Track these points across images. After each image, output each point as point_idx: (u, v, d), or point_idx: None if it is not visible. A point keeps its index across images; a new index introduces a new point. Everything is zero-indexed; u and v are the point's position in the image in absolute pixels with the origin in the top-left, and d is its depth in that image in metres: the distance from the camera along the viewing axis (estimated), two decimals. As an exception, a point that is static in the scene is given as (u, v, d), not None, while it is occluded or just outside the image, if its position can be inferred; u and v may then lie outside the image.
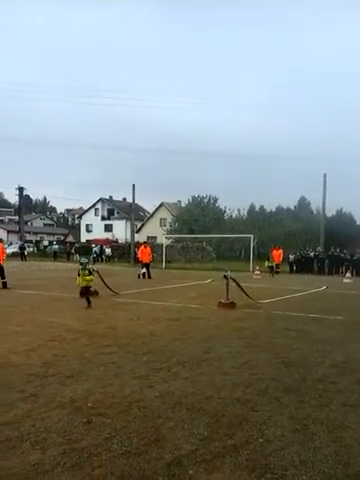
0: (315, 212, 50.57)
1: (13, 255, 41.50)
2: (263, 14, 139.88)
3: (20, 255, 40.82)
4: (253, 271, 26.19)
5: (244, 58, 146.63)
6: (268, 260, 26.27)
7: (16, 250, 44.84)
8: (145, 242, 25.67)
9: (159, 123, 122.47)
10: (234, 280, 12.06)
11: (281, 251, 28.79)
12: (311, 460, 3.42)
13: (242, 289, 12.63)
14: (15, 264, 30.71)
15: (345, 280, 23.20)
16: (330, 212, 45.47)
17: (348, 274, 25.20)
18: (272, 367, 6.05)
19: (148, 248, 22.62)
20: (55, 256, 42.70)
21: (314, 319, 10.22)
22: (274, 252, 28.43)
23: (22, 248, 42.99)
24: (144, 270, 21.62)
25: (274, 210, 55.27)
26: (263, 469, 3.26)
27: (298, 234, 44.28)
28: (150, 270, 21.84)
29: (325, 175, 34.81)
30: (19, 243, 48.97)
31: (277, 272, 27.48)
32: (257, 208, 56.56)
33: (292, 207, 56.88)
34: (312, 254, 30.99)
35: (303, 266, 30.01)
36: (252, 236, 32.39)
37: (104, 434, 3.80)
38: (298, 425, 4.07)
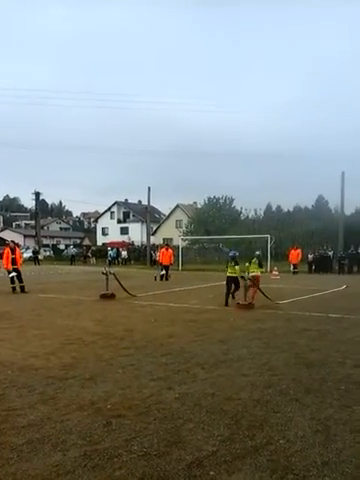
0: (333, 211, 50.03)
1: (30, 259, 41.93)
2: (285, 14, 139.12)
3: (34, 259, 41.18)
4: (271, 271, 26.01)
5: (261, 60, 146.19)
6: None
7: (31, 255, 45.24)
8: (167, 244, 25.57)
9: (174, 125, 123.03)
10: (252, 281, 11.98)
11: (299, 251, 28.56)
12: (333, 461, 3.37)
13: (260, 290, 12.55)
14: (32, 268, 31.02)
15: (365, 279, 22.89)
16: (349, 210, 44.95)
17: (368, 273, 24.86)
18: (292, 368, 5.99)
19: (170, 250, 22.57)
20: (73, 260, 43.03)
21: (334, 319, 10.10)
22: (292, 252, 28.22)
23: (35, 252, 43.38)
24: (163, 272, 21.62)
25: (291, 210, 54.91)
26: (284, 470, 3.22)
27: (316, 233, 43.82)
28: (169, 272, 21.84)
29: (343, 173, 34.38)
30: (34, 247, 49.40)
31: (295, 272, 27.27)
32: (274, 208, 56.29)
33: (310, 206, 56.42)
34: (331, 253, 30.66)
35: (322, 265, 29.70)
36: (269, 236, 32.18)
37: (124, 436, 3.80)
38: (320, 426, 4.02)
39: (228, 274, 12.84)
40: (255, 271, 13.14)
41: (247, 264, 13.42)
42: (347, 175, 34.56)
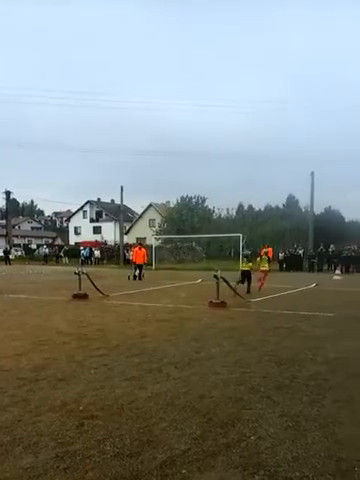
0: (303, 210, 50.88)
1: (1, 259, 41.24)
2: (260, 15, 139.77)
3: (4, 259, 40.47)
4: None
5: (234, 59, 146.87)
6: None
7: (2, 255, 44.46)
8: (140, 243, 25.40)
9: (147, 125, 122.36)
10: (224, 280, 12.09)
11: (270, 249, 28.87)
12: (303, 456, 3.44)
13: (232, 288, 12.68)
14: (3, 268, 30.49)
15: (335, 277, 23.42)
16: (318, 209, 45.85)
17: (337, 271, 25.45)
18: (263, 365, 6.07)
19: (143, 249, 22.47)
20: (46, 259, 42.49)
21: (304, 316, 10.28)
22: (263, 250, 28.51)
23: (6, 252, 42.64)
24: (137, 271, 21.54)
25: (263, 209, 55.60)
26: (256, 467, 3.27)
27: (287, 232, 44.49)
28: (142, 272, 21.78)
29: (313, 173, 35.07)
30: (5, 247, 48.54)
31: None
32: (246, 207, 56.89)
33: (280, 205, 57.21)
34: (301, 252, 31.22)
35: (293, 264, 30.19)
36: (241, 235, 32.51)
37: (96, 436, 3.78)
38: (290, 422, 4.10)
39: (242, 268, 15.61)
40: (265, 265, 16.88)
41: (258, 259, 17.06)
42: (316, 175, 35.30)
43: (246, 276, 15.20)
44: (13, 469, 3.24)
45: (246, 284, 15.14)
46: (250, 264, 15.62)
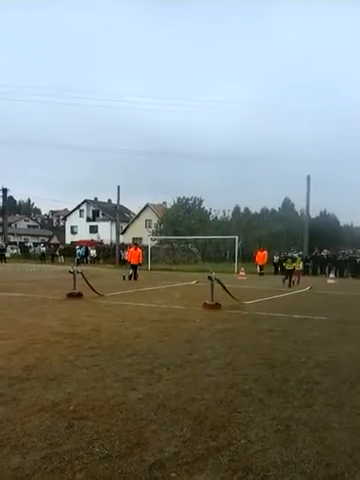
0: (299, 213, 50.97)
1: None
2: (252, 16, 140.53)
3: (0, 257, 40.42)
4: (238, 272, 26.27)
5: (230, 60, 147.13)
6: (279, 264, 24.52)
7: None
8: (135, 244, 25.31)
9: (146, 124, 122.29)
10: (219, 281, 12.07)
11: (265, 252, 28.94)
12: (293, 461, 3.43)
13: (227, 290, 12.65)
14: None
15: (329, 281, 23.42)
16: (314, 213, 46.00)
17: (332, 275, 25.46)
18: (255, 368, 6.06)
19: (139, 250, 22.42)
20: (43, 258, 42.44)
21: (298, 320, 10.28)
22: (258, 253, 28.56)
23: (2, 250, 42.61)
24: (131, 271, 21.50)
25: (259, 212, 55.65)
26: (245, 470, 3.26)
27: (282, 235, 44.55)
28: (137, 272, 21.74)
29: (308, 177, 35.12)
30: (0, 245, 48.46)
31: (262, 273, 27.60)
32: (242, 210, 56.92)
33: (276, 208, 57.25)
34: (296, 255, 31.24)
35: (287, 267, 30.20)
36: (237, 237, 32.52)
37: (86, 438, 3.76)
38: (281, 426, 4.08)
39: (287, 267, 20.02)
40: (298, 265, 20.93)
41: (289, 260, 20.53)
42: (312, 179, 35.39)
43: (290, 273, 19.73)
44: (0, 470, 3.21)
45: (288, 279, 19.66)
46: (294, 264, 20.11)
